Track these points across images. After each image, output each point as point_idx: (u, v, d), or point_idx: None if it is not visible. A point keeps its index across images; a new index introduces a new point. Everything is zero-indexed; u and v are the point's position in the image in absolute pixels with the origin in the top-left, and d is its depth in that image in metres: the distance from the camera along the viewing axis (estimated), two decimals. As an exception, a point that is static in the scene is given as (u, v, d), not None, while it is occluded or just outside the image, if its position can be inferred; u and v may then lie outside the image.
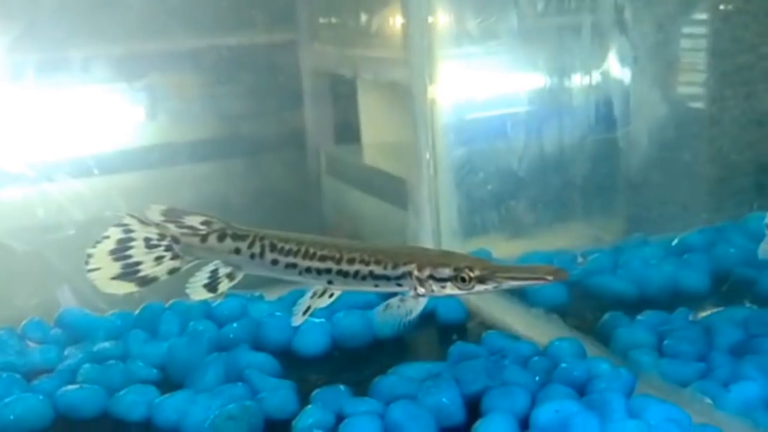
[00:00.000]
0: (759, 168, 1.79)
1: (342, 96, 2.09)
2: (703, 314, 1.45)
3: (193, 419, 1.21)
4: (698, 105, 1.82)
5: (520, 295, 1.62)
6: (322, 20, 2.06)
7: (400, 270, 1.13)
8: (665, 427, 1.11)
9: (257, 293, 1.65)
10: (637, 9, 1.66)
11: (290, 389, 1.29)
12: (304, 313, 1.20)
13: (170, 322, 1.52)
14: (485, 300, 1.65)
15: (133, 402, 1.27)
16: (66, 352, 1.44)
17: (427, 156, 1.81)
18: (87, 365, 1.37)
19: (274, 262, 1.18)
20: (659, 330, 1.39)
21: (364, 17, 2.02)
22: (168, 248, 1.22)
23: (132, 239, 1.21)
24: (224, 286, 1.22)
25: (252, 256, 1.19)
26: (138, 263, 1.21)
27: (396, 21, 1.94)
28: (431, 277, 1.12)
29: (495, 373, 1.27)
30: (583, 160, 1.69)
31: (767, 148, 1.83)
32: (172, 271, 1.23)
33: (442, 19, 1.78)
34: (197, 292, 1.23)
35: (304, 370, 1.41)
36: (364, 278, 1.14)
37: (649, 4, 1.70)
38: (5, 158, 1.68)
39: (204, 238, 1.21)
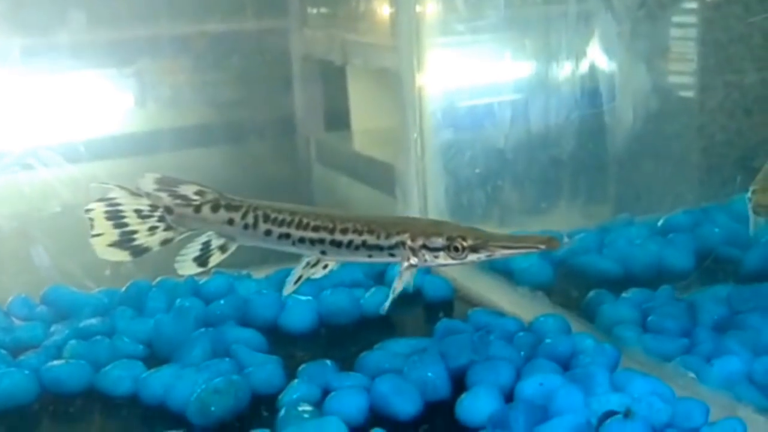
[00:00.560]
0: (744, 150, 1.80)
1: (332, 82, 2.09)
2: (688, 292, 1.46)
3: (179, 394, 1.21)
4: (688, 93, 1.83)
5: (506, 274, 1.63)
6: (312, 6, 2.05)
7: (393, 240, 1.12)
8: (649, 400, 1.11)
9: (245, 272, 1.65)
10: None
11: (277, 364, 1.29)
12: (296, 282, 1.19)
13: (157, 299, 1.52)
14: (471, 278, 1.66)
15: (119, 377, 1.27)
16: (52, 329, 1.44)
17: (415, 137, 1.81)
18: (73, 341, 1.37)
19: (268, 233, 1.17)
20: (643, 307, 1.40)
21: (353, 3, 2.02)
22: (161, 219, 1.21)
23: (120, 212, 1.20)
24: (216, 258, 1.21)
25: (245, 226, 1.18)
26: (134, 232, 1.20)
27: (385, 7, 1.94)
28: (424, 246, 1.11)
29: (480, 348, 1.28)
30: (569, 138, 1.69)
31: (754, 136, 1.84)
32: (165, 242, 1.22)
33: (430, 6, 1.78)
34: (187, 267, 1.22)
35: (290, 346, 1.42)
36: (357, 248, 1.14)
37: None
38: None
39: (197, 209, 1.20)
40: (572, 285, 1.57)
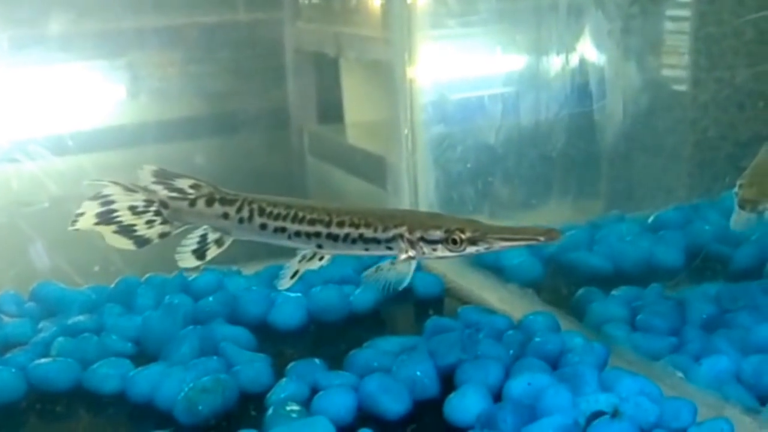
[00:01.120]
0: (735, 145, 1.80)
1: (325, 75, 2.08)
2: (677, 290, 1.46)
3: (166, 392, 1.21)
4: (681, 88, 1.83)
5: (496, 271, 1.63)
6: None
7: (391, 233, 1.11)
8: (637, 400, 1.11)
9: (234, 268, 1.65)
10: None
11: (265, 362, 1.29)
12: (292, 277, 1.18)
13: (146, 295, 1.51)
14: (462, 275, 1.66)
15: (107, 375, 1.27)
16: (40, 326, 1.44)
17: (406, 132, 1.81)
18: (61, 338, 1.36)
19: (263, 227, 1.16)
20: (633, 305, 1.40)
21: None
22: (157, 213, 1.19)
23: (114, 210, 1.18)
24: (212, 252, 1.20)
25: (240, 220, 1.17)
26: (132, 225, 1.18)
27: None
28: (422, 239, 1.10)
29: (469, 347, 1.28)
30: (560, 133, 1.69)
31: (747, 131, 1.84)
32: (163, 235, 1.20)
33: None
34: (187, 260, 1.20)
35: (280, 344, 1.41)
36: (354, 241, 1.12)
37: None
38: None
39: (192, 203, 1.18)
40: (562, 282, 1.57)
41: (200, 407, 1.17)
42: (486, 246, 1.08)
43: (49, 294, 1.53)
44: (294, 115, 2.07)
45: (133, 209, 1.18)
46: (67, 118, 1.78)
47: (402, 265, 1.13)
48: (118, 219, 1.18)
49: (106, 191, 1.18)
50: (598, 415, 1.09)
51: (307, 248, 1.16)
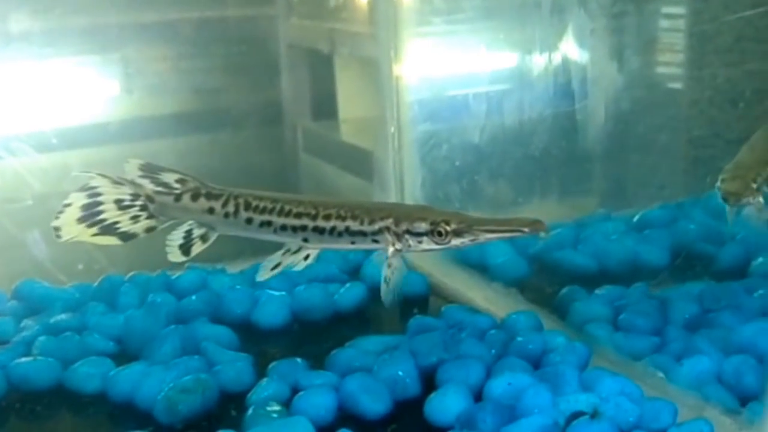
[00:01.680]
0: (728, 143, 1.79)
1: (319, 71, 2.08)
2: (661, 289, 1.46)
3: (146, 392, 1.20)
4: (675, 85, 1.83)
5: (481, 270, 1.63)
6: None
7: (377, 225, 1.10)
8: (617, 401, 1.11)
9: (219, 266, 1.64)
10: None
11: (247, 362, 1.28)
12: (273, 269, 1.16)
13: (129, 294, 1.51)
14: (447, 274, 1.65)
15: (88, 374, 1.26)
16: (22, 324, 1.43)
17: (392, 130, 1.80)
18: (42, 337, 1.35)
19: (249, 221, 1.15)
20: (616, 304, 1.40)
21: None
22: (143, 207, 1.18)
23: (100, 203, 1.17)
24: (197, 248, 1.19)
25: (226, 215, 1.16)
26: (115, 223, 1.18)
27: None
28: (408, 231, 1.09)
29: (451, 346, 1.28)
30: (546, 132, 1.69)
31: (740, 128, 1.83)
32: (149, 230, 1.20)
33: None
34: (174, 254, 1.19)
35: (263, 343, 1.41)
36: (340, 234, 1.11)
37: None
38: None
39: (178, 198, 1.18)
40: (547, 281, 1.57)
41: (180, 407, 1.16)
42: (471, 238, 1.06)
43: (32, 292, 1.52)
44: (288, 112, 2.06)
45: (119, 203, 1.18)
46: (53, 115, 1.77)
47: (394, 260, 1.12)
48: (103, 215, 1.17)
49: (92, 183, 1.17)
50: (577, 415, 1.09)
51: (293, 242, 1.15)
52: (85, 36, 1.79)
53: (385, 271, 1.12)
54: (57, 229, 1.17)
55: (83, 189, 1.17)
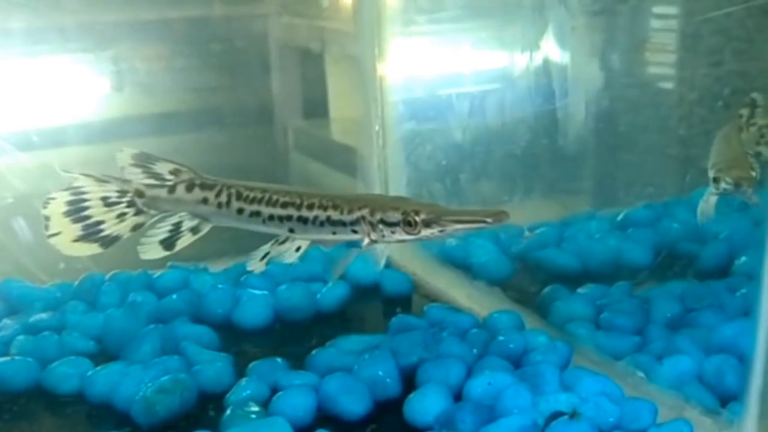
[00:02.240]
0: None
1: (310, 70, 2.07)
2: (643, 288, 1.45)
3: (124, 392, 1.19)
4: (660, 84, 1.82)
5: (465, 269, 1.62)
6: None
7: (355, 215, 1.10)
8: (597, 401, 1.11)
9: (201, 265, 1.63)
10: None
11: (226, 362, 1.28)
12: (261, 259, 1.17)
13: (110, 293, 1.50)
14: (431, 273, 1.65)
15: (66, 374, 1.26)
16: (1, 324, 1.42)
17: (377, 129, 1.80)
18: (21, 337, 1.34)
19: (240, 211, 1.16)
20: (598, 303, 1.40)
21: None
22: (130, 204, 1.18)
23: (85, 200, 1.17)
24: (185, 240, 1.19)
25: (219, 205, 1.16)
26: (99, 222, 1.17)
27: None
28: (382, 221, 1.09)
29: (432, 346, 1.27)
30: (531, 131, 1.68)
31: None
32: (136, 227, 1.19)
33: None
34: (151, 251, 1.18)
35: (244, 343, 1.40)
36: (322, 224, 1.12)
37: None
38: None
39: (172, 189, 1.17)
40: (530, 280, 1.56)
41: (158, 408, 1.15)
42: (440, 229, 1.06)
43: (13, 291, 1.51)
44: (278, 110, 2.06)
45: (105, 200, 1.17)
46: (40, 113, 1.76)
47: (366, 249, 1.12)
48: (88, 211, 1.17)
49: (77, 183, 1.17)
50: (557, 415, 1.09)
51: (281, 233, 1.16)
52: (75, 33, 1.78)
53: (351, 252, 1.14)
54: (47, 218, 1.17)
55: (67, 189, 1.17)
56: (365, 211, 1.10)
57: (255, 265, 1.17)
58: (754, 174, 1.30)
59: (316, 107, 2.09)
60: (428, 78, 1.77)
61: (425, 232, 1.07)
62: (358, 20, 1.83)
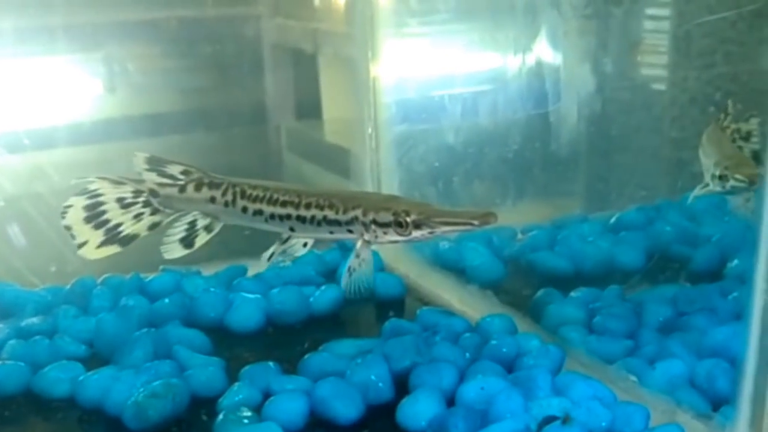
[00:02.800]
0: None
1: (303, 71, 2.07)
2: (635, 291, 1.45)
3: (116, 397, 1.19)
4: (654, 86, 1.82)
5: (457, 272, 1.62)
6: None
7: (349, 215, 1.10)
8: (589, 405, 1.11)
9: (194, 269, 1.63)
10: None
11: (218, 366, 1.27)
12: (268, 259, 1.19)
13: (102, 297, 1.49)
14: (424, 276, 1.65)
15: (57, 379, 1.25)
16: (-7, 328, 1.41)
17: (370, 131, 1.79)
18: (12, 341, 1.34)
19: (244, 210, 1.18)
20: (590, 306, 1.40)
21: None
22: (146, 204, 1.20)
23: (101, 203, 1.20)
24: (202, 239, 1.21)
25: (226, 204, 1.18)
26: (119, 225, 1.20)
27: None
28: (374, 221, 1.09)
29: (424, 350, 1.27)
30: (518, 135, 1.68)
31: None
32: (153, 227, 1.22)
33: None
34: (173, 250, 1.21)
35: (236, 347, 1.40)
36: (319, 224, 1.13)
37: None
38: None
39: (182, 189, 1.20)
40: (523, 283, 1.56)
41: (150, 412, 1.15)
42: (429, 230, 1.06)
43: (4, 295, 1.50)
44: (272, 111, 2.05)
45: (121, 201, 1.20)
46: (28, 115, 1.75)
47: (362, 251, 1.12)
48: (107, 215, 1.20)
49: (92, 187, 1.20)
50: (549, 420, 1.09)
51: (283, 231, 1.17)
52: (67, 34, 1.77)
53: (351, 261, 1.13)
54: (69, 228, 1.21)
55: (83, 193, 1.20)
56: (359, 211, 1.10)
57: (263, 265, 1.21)
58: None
59: (309, 108, 2.08)
60: (421, 80, 1.77)
61: (416, 234, 1.07)
62: (351, 22, 1.83)
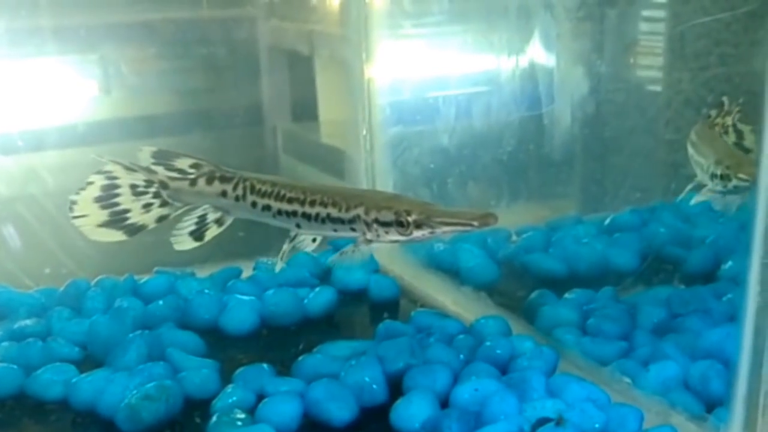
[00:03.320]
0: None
1: (300, 73, 2.07)
2: (629, 293, 1.45)
3: (109, 399, 1.19)
4: (653, 88, 1.83)
5: (452, 273, 1.62)
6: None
7: (352, 213, 1.10)
8: (582, 407, 1.11)
9: (188, 270, 1.63)
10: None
11: (212, 368, 1.27)
12: (281, 258, 1.20)
13: (96, 299, 1.49)
14: (418, 277, 1.65)
15: (50, 381, 1.25)
16: (-15, 330, 1.41)
17: (364, 133, 1.79)
18: (6, 343, 1.34)
19: (254, 205, 1.18)
20: (584, 308, 1.40)
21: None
22: (156, 195, 1.20)
23: (117, 186, 1.20)
24: (212, 232, 1.22)
25: (236, 198, 1.19)
26: (126, 211, 1.20)
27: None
28: (376, 220, 1.09)
29: (418, 352, 1.27)
30: (512, 137, 1.69)
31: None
32: (161, 219, 1.22)
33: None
34: (183, 242, 1.22)
35: (230, 349, 1.39)
36: (323, 221, 1.13)
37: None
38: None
39: (193, 182, 1.20)
40: (517, 284, 1.56)
41: (143, 415, 1.15)
42: (430, 230, 1.06)
43: (-3, 297, 1.50)
44: (268, 113, 2.05)
45: (134, 188, 1.20)
46: (23, 116, 1.75)
47: (364, 248, 1.12)
48: (118, 198, 1.20)
49: (107, 168, 1.20)
50: (543, 421, 1.09)
51: (291, 228, 1.18)
52: (62, 35, 1.77)
53: (348, 248, 1.14)
54: (73, 203, 1.20)
55: (101, 172, 1.20)
56: (361, 210, 1.10)
57: (279, 265, 1.22)
58: None
59: (305, 110, 2.08)
60: (415, 82, 1.77)
61: (417, 233, 1.07)
62: (346, 24, 1.83)
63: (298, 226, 1.15)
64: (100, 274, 1.57)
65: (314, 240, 1.18)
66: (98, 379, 1.23)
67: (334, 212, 1.11)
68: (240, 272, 1.63)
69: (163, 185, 1.20)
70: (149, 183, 1.21)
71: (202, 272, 1.63)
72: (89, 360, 1.33)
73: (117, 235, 1.21)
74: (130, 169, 1.20)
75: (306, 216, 1.13)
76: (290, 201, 1.14)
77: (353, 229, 1.11)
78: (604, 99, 1.72)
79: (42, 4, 1.70)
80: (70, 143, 1.78)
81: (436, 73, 1.76)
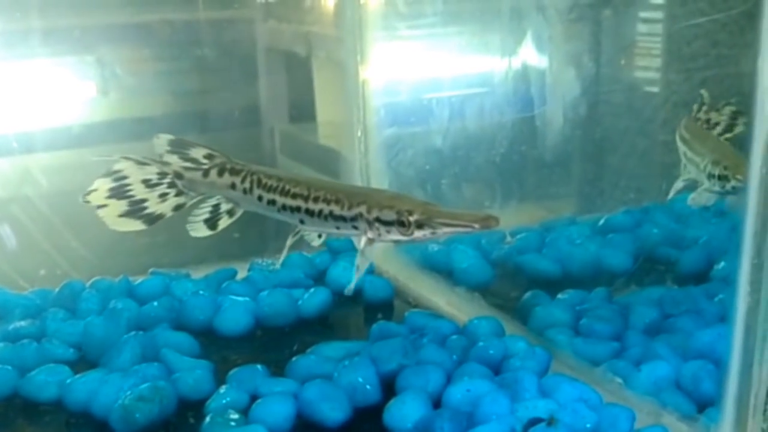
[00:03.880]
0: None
1: (297, 74, 2.07)
2: (622, 294, 1.46)
3: (103, 400, 1.19)
4: (646, 89, 1.83)
5: (446, 274, 1.62)
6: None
7: (354, 211, 1.10)
8: (574, 407, 1.11)
9: (183, 271, 1.63)
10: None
11: (206, 369, 1.27)
12: (286, 251, 1.23)
13: (90, 300, 1.49)
14: (412, 278, 1.65)
15: (44, 382, 1.25)
16: (-20, 332, 1.41)
17: (359, 134, 1.80)
18: (0, 344, 1.34)
19: (260, 198, 1.19)
20: (577, 309, 1.40)
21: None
22: (171, 185, 1.22)
23: (127, 185, 1.21)
24: (224, 222, 1.23)
25: (244, 191, 1.20)
26: (143, 200, 1.21)
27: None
28: (378, 219, 1.08)
29: (411, 352, 1.27)
30: (505, 139, 1.69)
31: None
32: (178, 208, 1.24)
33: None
34: (198, 229, 1.23)
35: (225, 349, 1.40)
36: (326, 218, 1.13)
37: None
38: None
39: (206, 173, 1.21)
40: (511, 285, 1.57)
41: (137, 416, 1.15)
42: (431, 230, 1.05)
43: (-9, 299, 1.50)
44: (265, 114, 2.06)
45: (146, 182, 1.21)
46: (19, 118, 1.75)
47: (365, 248, 1.12)
48: (131, 193, 1.21)
49: (117, 167, 1.21)
50: (535, 422, 1.09)
51: (295, 223, 1.18)
52: (59, 37, 1.77)
53: (357, 260, 1.14)
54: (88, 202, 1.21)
55: (108, 174, 1.20)
56: (363, 208, 1.10)
57: (282, 255, 1.25)
58: None
59: (302, 111, 2.09)
60: (409, 83, 1.78)
61: (418, 234, 1.06)
62: (341, 25, 1.83)
63: (301, 221, 1.16)
64: (94, 275, 1.57)
65: (320, 235, 1.19)
66: (92, 380, 1.23)
67: (336, 210, 1.11)
68: (235, 273, 1.63)
69: (178, 175, 1.22)
70: (162, 175, 1.22)
71: (197, 273, 1.64)
72: (84, 361, 1.34)
73: (137, 225, 1.22)
74: (142, 163, 1.21)
75: (310, 212, 1.13)
76: (294, 196, 1.14)
77: (356, 227, 1.11)
78: (597, 100, 1.73)
79: (38, 5, 1.70)
80: (68, 144, 1.78)
81: (431, 74, 1.76)
